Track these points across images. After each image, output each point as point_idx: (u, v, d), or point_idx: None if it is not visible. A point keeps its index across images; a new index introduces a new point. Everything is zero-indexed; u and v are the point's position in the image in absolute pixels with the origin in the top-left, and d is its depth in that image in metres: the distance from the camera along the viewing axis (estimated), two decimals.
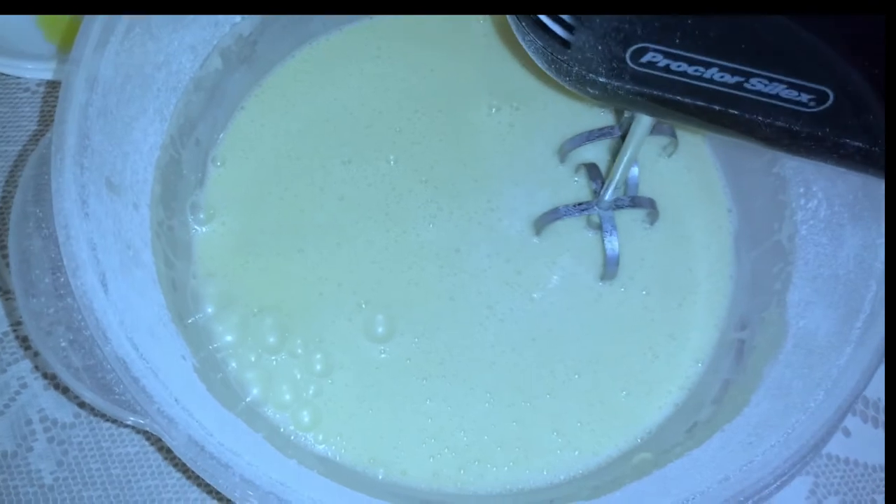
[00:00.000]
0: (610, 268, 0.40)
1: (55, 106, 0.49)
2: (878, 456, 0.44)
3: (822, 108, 0.27)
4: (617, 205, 0.40)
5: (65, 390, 0.44)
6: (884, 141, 0.27)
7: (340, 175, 0.43)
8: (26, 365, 0.44)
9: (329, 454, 0.37)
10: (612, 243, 0.40)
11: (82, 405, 0.44)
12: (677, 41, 0.25)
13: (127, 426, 0.41)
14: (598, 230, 0.41)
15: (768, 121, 0.28)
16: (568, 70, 0.29)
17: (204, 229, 0.41)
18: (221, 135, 0.44)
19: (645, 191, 0.43)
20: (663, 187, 0.44)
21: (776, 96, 0.27)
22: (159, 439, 0.30)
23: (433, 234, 0.42)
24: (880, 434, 0.45)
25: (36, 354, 0.44)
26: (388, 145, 0.44)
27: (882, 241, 0.33)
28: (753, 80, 0.26)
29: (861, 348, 0.31)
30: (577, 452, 0.38)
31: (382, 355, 0.39)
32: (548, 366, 0.39)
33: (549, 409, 0.38)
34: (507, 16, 0.31)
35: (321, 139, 0.44)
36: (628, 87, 0.28)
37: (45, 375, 0.44)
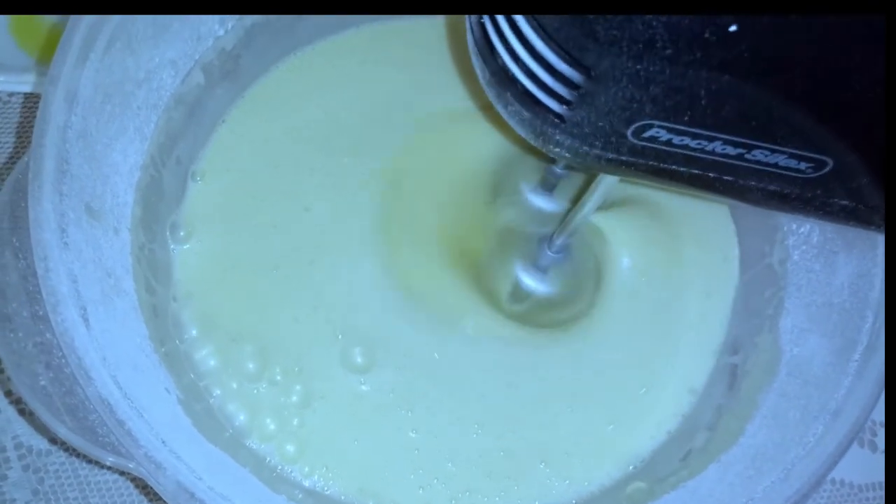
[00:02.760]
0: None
1: (29, 118, 0.49)
2: (863, 476, 0.45)
3: (817, 174, 0.26)
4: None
5: None
6: (869, 199, 0.27)
7: (319, 188, 0.42)
8: None
9: (317, 487, 0.36)
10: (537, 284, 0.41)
11: None
12: (686, 118, 0.24)
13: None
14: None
15: (761, 186, 0.27)
16: (558, 142, 0.27)
17: (185, 247, 0.40)
18: (201, 150, 0.43)
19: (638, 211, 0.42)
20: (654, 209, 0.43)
21: (775, 165, 0.26)
22: None
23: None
24: (866, 453, 0.45)
25: (9, 379, 0.43)
26: (371, 157, 0.43)
27: (878, 270, 0.33)
28: (755, 152, 0.26)
29: (860, 382, 0.31)
30: (567, 482, 0.37)
31: (363, 387, 0.38)
32: (540, 397, 0.38)
33: (538, 438, 0.38)
34: (484, 83, 0.28)
35: (303, 150, 0.42)
36: (623, 158, 0.27)
37: (19, 400, 0.42)
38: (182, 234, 0.40)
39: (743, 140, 0.25)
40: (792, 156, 0.25)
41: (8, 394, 0.43)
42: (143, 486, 0.41)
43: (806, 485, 0.29)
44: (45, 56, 0.50)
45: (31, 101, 0.49)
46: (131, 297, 0.34)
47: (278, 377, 0.38)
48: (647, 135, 0.25)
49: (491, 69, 0.27)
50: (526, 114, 0.27)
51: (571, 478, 0.37)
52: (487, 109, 0.44)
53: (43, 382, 0.28)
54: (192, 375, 0.37)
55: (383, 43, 0.45)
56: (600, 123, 0.25)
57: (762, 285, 0.40)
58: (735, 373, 0.38)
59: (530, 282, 0.41)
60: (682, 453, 0.36)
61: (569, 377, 0.39)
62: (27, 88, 0.47)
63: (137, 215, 0.36)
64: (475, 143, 0.44)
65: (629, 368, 0.40)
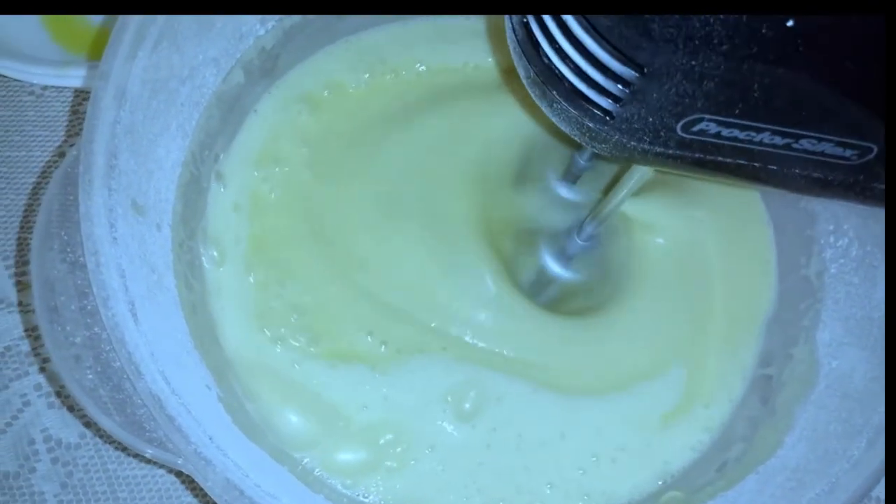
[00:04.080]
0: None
1: (62, 111, 0.49)
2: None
3: (862, 160, 0.26)
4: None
5: (70, 409, 0.42)
6: None
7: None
8: (29, 382, 0.43)
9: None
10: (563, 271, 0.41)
11: (88, 425, 0.42)
12: (737, 111, 0.24)
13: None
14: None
15: (805, 173, 0.27)
16: (605, 138, 0.27)
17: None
18: (232, 143, 0.42)
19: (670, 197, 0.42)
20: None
21: (821, 153, 0.26)
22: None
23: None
24: None
25: (40, 371, 0.43)
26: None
27: None
28: (803, 141, 0.26)
29: None
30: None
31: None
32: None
33: (574, 448, 0.37)
34: (526, 82, 0.28)
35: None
36: (669, 152, 0.27)
37: (49, 393, 0.42)
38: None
39: (791, 130, 0.25)
40: (839, 143, 0.25)
41: (38, 387, 0.43)
42: (172, 483, 0.41)
43: (851, 499, 0.29)
44: (79, 48, 0.50)
45: (65, 94, 0.49)
46: (172, 293, 0.34)
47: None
48: (696, 129, 0.25)
49: (536, 68, 0.27)
50: (573, 112, 0.27)
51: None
52: (516, 92, 0.43)
53: (90, 376, 0.28)
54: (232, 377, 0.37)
55: (426, 35, 0.45)
56: (650, 119, 0.25)
57: (797, 297, 0.40)
58: (770, 384, 0.38)
59: (558, 269, 0.42)
60: (717, 464, 0.36)
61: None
62: (62, 82, 0.47)
63: (178, 212, 0.36)
64: (504, 126, 0.43)
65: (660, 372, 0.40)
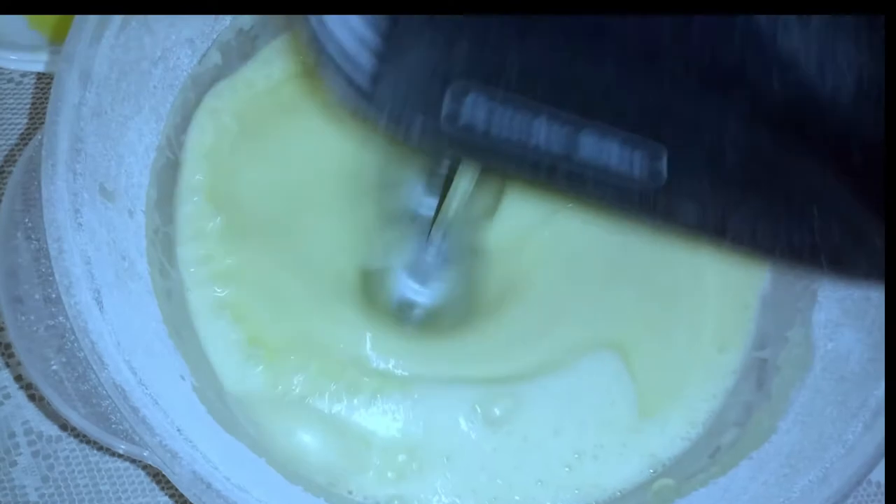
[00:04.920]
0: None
1: (42, 99, 0.48)
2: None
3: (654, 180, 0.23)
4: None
5: None
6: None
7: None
8: (8, 374, 0.42)
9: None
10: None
11: None
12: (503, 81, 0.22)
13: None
14: None
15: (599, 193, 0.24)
16: (376, 119, 0.23)
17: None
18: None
19: None
20: None
21: (605, 167, 0.23)
22: None
23: None
24: None
25: (20, 363, 0.42)
26: None
27: None
28: (584, 140, 0.22)
29: None
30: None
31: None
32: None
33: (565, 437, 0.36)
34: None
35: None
36: (447, 132, 0.23)
37: (29, 385, 0.42)
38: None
39: (569, 115, 0.22)
40: (625, 143, 0.22)
41: (18, 378, 0.42)
42: (154, 475, 0.40)
43: (846, 485, 0.28)
44: (59, 35, 0.49)
45: (44, 82, 0.48)
46: (145, 280, 0.33)
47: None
48: (465, 111, 0.22)
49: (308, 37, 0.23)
50: (341, 91, 0.23)
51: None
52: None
53: (55, 367, 0.27)
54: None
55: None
56: (411, 91, 0.22)
57: (793, 277, 0.38)
58: (764, 368, 0.37)
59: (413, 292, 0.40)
60: (710, 450, 0.35)
61: None
62: (40, 68, 0.46)
63: (153, 197, 0.35)
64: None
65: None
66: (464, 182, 0.33)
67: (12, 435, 0.41)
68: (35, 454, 0.41)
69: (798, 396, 0.34)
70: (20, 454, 0.40)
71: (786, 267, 0.34)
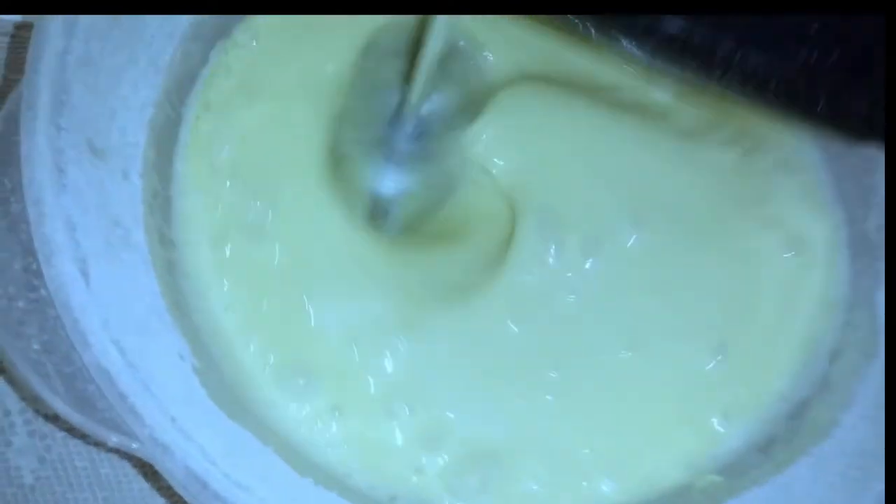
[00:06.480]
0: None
1: (21, 52, 0.44)
2: None
3: None
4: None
5: None
6: None
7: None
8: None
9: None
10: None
11: None
12: None
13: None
14: None
15: None
16: None
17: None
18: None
19: None
20: None
21: None
22: None
23: None
24: None
25: None
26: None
27: None
28: None
29: None
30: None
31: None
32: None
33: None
34: None
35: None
36: None
37: None
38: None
39: None
40: None
41: None
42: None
43: None
44: None
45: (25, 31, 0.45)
46: (142, 250, 0.30)
47: None
48: None
49: None
50: None
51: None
52: None
53: (36, 347, 0.24)
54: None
55: None
56: None
57: (854, 254, 0.35)
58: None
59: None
60: (761, 444, 0.32)
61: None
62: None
63: (150, 158, 0.32)
64: None
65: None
66: (433, 41, 0.29)
67: (7, 413, 0.38)
68: (31, 434, 0.38)
69: (861, 387, 0.31)
70: (15, 434, 0.38)
71: (780, 114, 0.29)
